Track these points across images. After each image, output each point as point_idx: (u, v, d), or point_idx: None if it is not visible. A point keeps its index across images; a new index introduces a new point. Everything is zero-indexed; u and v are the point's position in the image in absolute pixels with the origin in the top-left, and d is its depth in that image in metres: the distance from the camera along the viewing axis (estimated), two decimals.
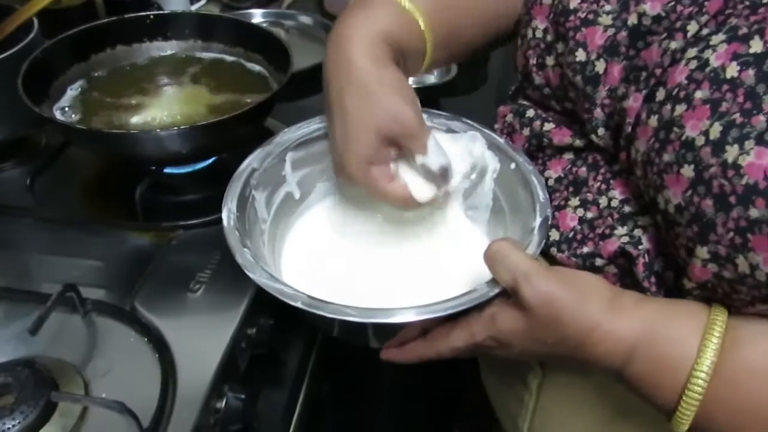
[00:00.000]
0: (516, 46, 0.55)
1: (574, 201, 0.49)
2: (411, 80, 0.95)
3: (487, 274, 0.42)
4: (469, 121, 0.56)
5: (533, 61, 0.51)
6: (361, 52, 0.46)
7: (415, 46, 0.51)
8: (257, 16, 1.11)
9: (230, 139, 0.63)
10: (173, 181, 0.68)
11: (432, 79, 0.98)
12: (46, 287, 0.57)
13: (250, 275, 0.43)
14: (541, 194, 0.49)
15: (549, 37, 0.50)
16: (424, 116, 0.50)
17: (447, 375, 1.01)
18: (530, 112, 0.54)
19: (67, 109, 0.68)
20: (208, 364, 0.51)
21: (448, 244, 0.56)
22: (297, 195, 0.56)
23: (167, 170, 0.67)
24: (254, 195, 0.51)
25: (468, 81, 0.98)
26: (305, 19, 1.10)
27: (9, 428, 0.44)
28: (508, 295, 0.42)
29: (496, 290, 0.42)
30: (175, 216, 0.65)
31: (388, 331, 0.47)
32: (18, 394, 0.46)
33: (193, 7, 1.14)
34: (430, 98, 0.93)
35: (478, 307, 0.43)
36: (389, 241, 0.55)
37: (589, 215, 0.48)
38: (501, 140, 0.54)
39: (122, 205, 0.66)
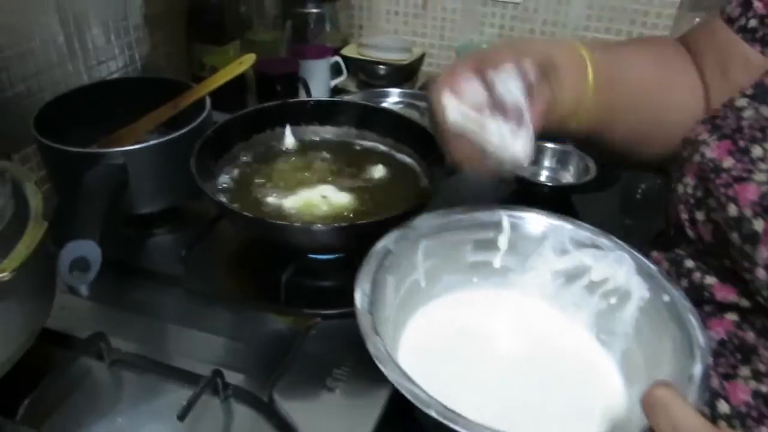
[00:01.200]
0: (668, 201, 0.53)
1: (745, 371, 0.45)
2: (545, 176, 0.94)
3: (620, 415, 0.38)
4: (618, 241, 0.53)
5: (684, 215, 0.49)
6: None
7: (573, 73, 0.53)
8: (393, 95, 1.14)
9: (382, 234, 0.63)
10: (317, 266, 0.69)
11: (569, 178, 0.96)
12: (189, 364, 0.58)
13: (382, 369, 0.41)
14: (701, 338, 0.44)
15: (699, 193, 0.48)
16: (570, 225, 0.54)
17: None
18: (689, 263, 0.51)
19: (225, 186, 0.71)
20: None
21: (575, 369, 0.52)
22: (423, 284, 0.54)
23: (312, 255, 0.68)
24: (386, 278, 0.50)
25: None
26: None
27: None
28: None
29: None
30: (315, 303, 0.66)
31: None
32: None
33: (333, 82, 1.19)
34: (562, 196, 0.92)
35: None
36: (512, 355, 0.53)
37: (764, 389, 0.43)
38: (653, 268, 0.50)
39: (266, 285, 0.67)
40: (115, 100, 0.82)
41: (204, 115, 0.73)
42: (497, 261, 0.57)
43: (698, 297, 0.49)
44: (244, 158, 0.75)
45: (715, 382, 0.46)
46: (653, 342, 0.49)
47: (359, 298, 0.47)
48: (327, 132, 0.80)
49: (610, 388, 0.49)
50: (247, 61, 0.77)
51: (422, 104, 1.12)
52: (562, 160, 0.98)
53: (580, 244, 0.54)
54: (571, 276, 0.55)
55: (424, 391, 0.40)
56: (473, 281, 0.57)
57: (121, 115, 0.80)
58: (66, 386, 0.56)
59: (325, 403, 0.56)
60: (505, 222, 0.56)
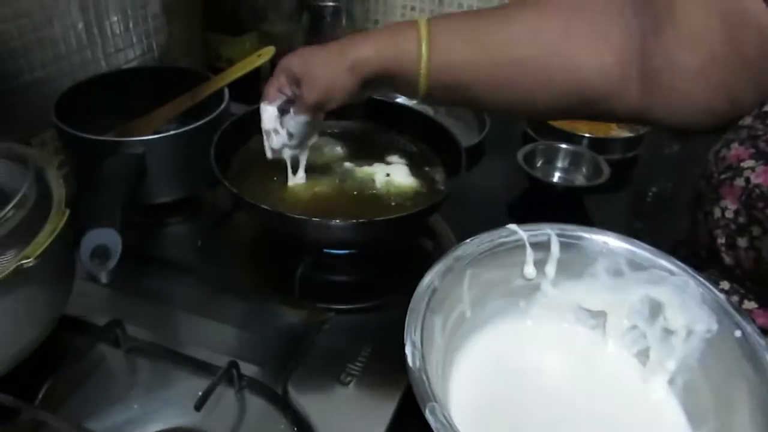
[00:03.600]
0: (697, 221, 0.52)
1: None
2: (557, 177, 0.94)
3: None
4: (681, 264, 0.49)
5: (721, 240, 0.48)
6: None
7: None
8: None
9: (397, 233, 0.64)
10: (331, 260, 0.69)
11: (581, 179, 0.96)
12: (204, 354, 0.58)
13: None
14: None
15: (741, 219, 0.46)
16: (627, 245, 0.51)
17: None
18: (724, 284, 0.49)
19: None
20: None
21: (633, 406, 0.49)
22: (468, 314, 0.52)
23: (327, 250, 0.68)
24: (433, 320, 0.46)
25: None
26: None
27: None
28: None
29: None
30: (329, 298, 0.66)
31: None
32: None
33: None
34: (574, 197, 0.92)
35: None
36: (565, 393, 0.50)
37: None
38: (722, 297, 0.46)
39: (280, 277, 0.68)
40: (132, 88, 0.82)
41: (223, 106, 0.74)
42: (546, 284, 0.53)
43: None
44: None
45: None
46: (723, 381, 0.45)
47: (410, 353, 0.42)
48: (344, 126, 0.80)
49: (674, 427, 0.47)
50: (267, 53, 0.77)
51: None
52: (574, 162, 0.98)
53: (638, 267, 0.50)
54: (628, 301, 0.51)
55: None
56: (519, 305, 0.54)
57: (138, 104, 0.81)
58: (83, 372, 0.57)
59: (339, 397, 0.56)
60: (554, 243, 0.52)
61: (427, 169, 0.74)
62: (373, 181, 0.71)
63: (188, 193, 0.76)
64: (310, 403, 0.55)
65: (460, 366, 0.50)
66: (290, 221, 0.60)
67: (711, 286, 0.47)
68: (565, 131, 1.00)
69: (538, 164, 0.97)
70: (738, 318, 0.45)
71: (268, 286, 0.69)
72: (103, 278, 0.54)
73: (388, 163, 0.74)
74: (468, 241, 0.52)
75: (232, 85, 0.78)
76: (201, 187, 0.77)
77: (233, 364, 0.55)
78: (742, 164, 0.47)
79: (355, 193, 0.69)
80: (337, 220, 0.59)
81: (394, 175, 0.72)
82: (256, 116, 0.65)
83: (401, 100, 1.00)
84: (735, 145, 0.48)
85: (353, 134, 0.80)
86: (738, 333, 0.44)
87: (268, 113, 0.64)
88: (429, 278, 0.48)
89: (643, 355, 0.51)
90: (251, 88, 0.96)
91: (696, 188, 0.52)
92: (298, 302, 0.66)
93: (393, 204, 0.68)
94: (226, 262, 0.71)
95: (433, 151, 0.76)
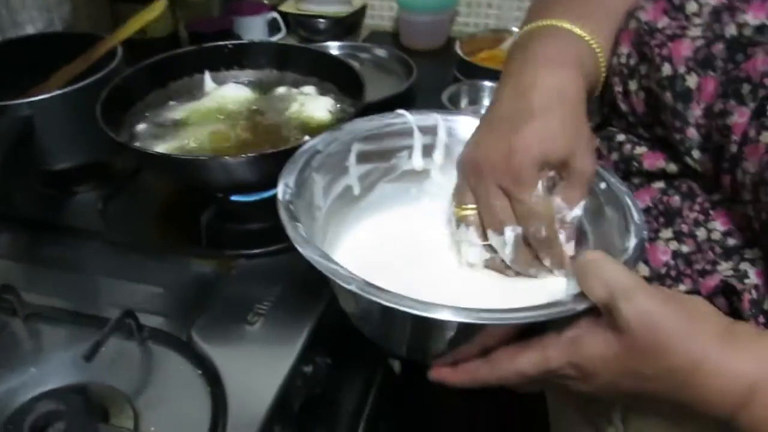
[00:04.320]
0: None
1: (667, 233, 0.44)
2: None
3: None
4: None
5: (618, 88, 0.48)
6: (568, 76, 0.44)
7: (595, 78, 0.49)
8: (333, 48, 1.11)
9: None
10: (239, 209, 0.68)
11: None
12: (106, 312, 0.56)
13: (300, 249, 0.39)
14: (636, 215, 0.43)
15: (632, 61, 0.47)
16: None
17: (514, 427, 0.95)
18: (620, 137, 0.50)
19: (142, 134, 0.69)
20: (260, 402, 0.49)
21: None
22: (357, 191, 0.52)
23: (234, 198, 0.66)
24: (314, 177, 0.48)
25: None
26: (380, 52, 1.09)
27: None
28: (597, 313, 0.36)
29: (584, 305, 0.35)
30: (238, 245, 0.64)
31: (452, 337, 0.40)
32: (68, 423, 0.45)
33: (272, 39, 1.17)
34: None
35: (557, 326, 0.36)
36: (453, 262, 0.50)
37: (685, 249, 0.43)
38: None
39: (188, 231, 0.66)
40: (32, 59, 0.78)
41: (114, 63, 0.71)
42: (435, 171, 0.54)
43: (628, 168, 0.48)
44: (162, 106, 0.73)
45: None
46: (594, 230, 0.47)
47: (282, 190, 0.44)
48: (248, 75, 0.78)
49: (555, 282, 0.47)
50: (158, 7, 0.74)
51: (364, 55, 1.11)
52: None
53: None
54: None
55: (345, 269, 0.38)
56: (411, 192, 0.55)
57: (39, 74, 0.77)
58: None
59: (246, 338, 0.55)
60: (441, 128, 0.52)
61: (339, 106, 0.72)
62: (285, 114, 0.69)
63: (90, 158, 0.73)
64: (216, 347, 0.53)
65: (345, 240, 0.51)
66: (179, 163, 0.58)
67: None
68: (492, 69, 0.99)
69: (463, 104, 0.96)
70: (602, 172, 0.46)
71: (175, 240, 0.67)
72: None
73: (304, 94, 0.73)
74: (357, 119, 0.52)
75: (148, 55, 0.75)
76: (106, 152, 0.74)
77: (128, 314, 0.53)
78: (636, 6, 0.47)
79: (264, 132, 0.67)
80: (227, 157, 0.56)
81: (308, 106, 0.70)
82: (149, 71, 0.61)
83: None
84: None
85: (262, 81, 0.78)
86: (603, 185, 0.46)
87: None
88: (313, 142, 0.49)
89: None
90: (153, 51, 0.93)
91: None
92: (206, 252, 0.64)
93: (295, 137, 0.66)
94: (131, 223, 0.69)
95: (337, 88, 0.74)
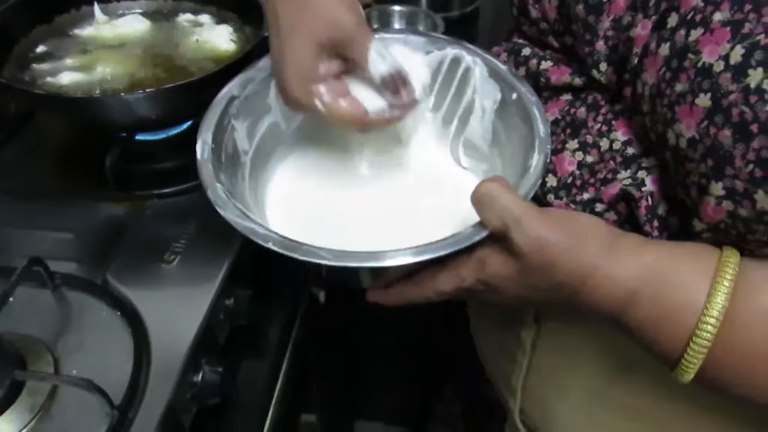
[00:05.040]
0: None
1: (573, 144, 0.47)
2: None
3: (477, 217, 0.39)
4: (468, 45, 0.51)
5: None
6: None
7: None
8: None
9: (203, 101, 0.60)
10: (147, 149, 0.66)
11: None
12: (14, 262, 0.54)
13: (221, 212, 0.40)
14: (542, 128, 0.44)
15: None
16: (423, 39, 0.51)
17: (441, 335, 1.00)
18: (526, 51, 0.51)
19: (31, 73, 0.64)
20: (183, 338, 0.50)
21: (435, 188, 0.52)
22: (284, 125, 0.52)
23: (139, 137, 0.64)
24: (234, 125, 0.47)
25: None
26: None
27: None
28: (497, 238, 0.39)
29: (483, 234, 0.39)
30: (149, 185, 0.63)
31: (372, 275, 0.44)
32: None
33: None
34: None
35: (467, 250, 0.40)
36: (373, 184, 0.52)
37: (589, 159, 0.45)
38: (503, 67, 0.49)
39: (94, 175, 0.63)
40: None
41: None
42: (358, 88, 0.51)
43: (535, 83, 0.50)
44: (47, 42, 0.68)
45: None
46: (509, 145, 0.49)
47: (200, 148, 0.44)
48: (141, 5, 0.73)
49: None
50: None
51: None
52: (411, 22, 0.98)
53: (395, 42, 0.50)
54: (431, 93, 0.53)
55: (263, 226, 0.39)
56: None
57: None
58: None
59: (163, 277, 0.54)
60: None
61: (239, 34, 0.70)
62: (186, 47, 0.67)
63: None
64: (133, 287, 0.53)
65: (276, 174, 0.52)
66: (74, 103, 0.55)
67: (494, 59, 0.50)
68: None
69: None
70: (514, 82, 0.48)
71: (80, 184, 0.64)
72: None
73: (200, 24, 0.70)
74: (268, 55, 0.50)
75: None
76: None
77: (35, 261, 0.51)
78: None
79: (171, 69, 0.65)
80: (123, 94, 0.54)
81: (208, 36, 0.68)
82: (30, 6, 0.57)
83: None
84: None
85: (156, 12, 0.74)
86: (514, 95, 0.48)
87: None
88: (227, 88, 0.48)
89: (453, 143, 0.54)
90: None
91: None
92: (115, 195, 0.62)
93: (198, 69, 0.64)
94: (32, 170, 0.66)
95: (233, 13, 0.72)
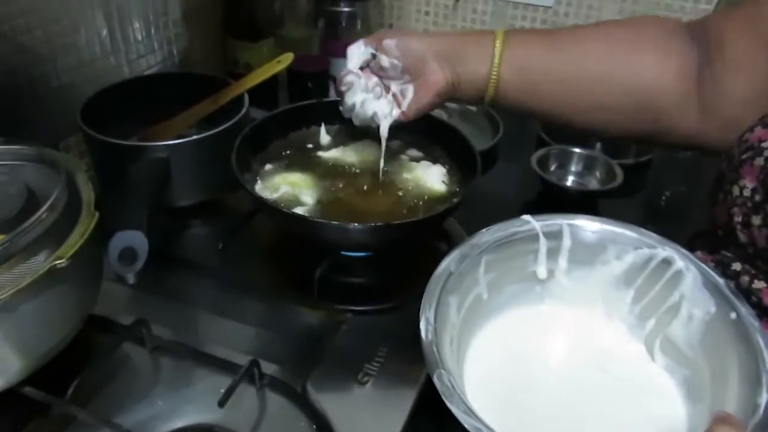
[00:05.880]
0: (718, 201, 0.53)
1: None
2: (571, 181, 0.95)
3: None
4: (683, 250, 0.51)
5: (738, 219, 0.49)
6: None
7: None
8: None
9: (414, 236, 0.65)
10: (348, 263, 0.71)
11: (595, 183, 0.97)
12: (223, 351, 0.60)
13: (448, 404, 0.41)
14: None
15: (758, 197, 0.48)
16: (633, 233, 0.53)
17: None
18: (736, 266, 0.51)
19: (262, 182, 0.73)
20: None
21: (635, 389, 0.51)
22: (485, 296, 0.54)
23: (345, 252, 0.70)
24: (449, 300, 0.50)
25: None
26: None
27: None
28: None
29: None
30: (346, 299, 0.68)
31: None
32: None
33: None
34: (588, 200, 0.93)
35: None
36: (573, 377, 0.52)
37: None
38: (721, 281, 0.48)
39: (299, 278, 0.70)
40: (154, 94, 0.84)
41: (243, 111, 0.76)
42: (560, 273, 0.56)
43: (747, 301, 0.48)
44: (282, 155, 0.77)
45: None
46: (719, 361, 0.47)
47: (424, 328, 0.46)
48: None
49: (671, 407, 0.49)
50: (286, 60, 0.79)
51: (451, 105, 1.14)
52: (588, 165, 0.99)
53: (645, 255, 0.52)
54: (632, 285, 0.54)
55: (488, 427, 0.40)
56: (535, 290, 0.57)
57: (160, 109, 0.83)
58: (110, 369, 0.59)
59: (356, 396, 0.57)
60: (566, 234, 0.54)
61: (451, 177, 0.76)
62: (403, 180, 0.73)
63: (209, 196, 0.78)
64: (329, 402, 0.56)
65: (474, 345, 0.53)
66: (308, 224, 0.62)
67: (710, 269, 0.49)
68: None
69: (552, 168, 0.98)
70: (734, 301, 0.47)
71: (287, 287, 0.71)
72: (130, 279, 0.56)
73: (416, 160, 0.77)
74: (483, 230, 0.54)
75: (250, 91, 0.80)
76: (221, 190, 0.79)
77: (254, 363, 0.57)
78: (762, 144, 0.48)
79: (375, 192, 0.71)
80: (356, 224, 0.60)
81: (425, 175, 0.74)
82: (274, 121, 0.66)
83: None
84: (758, 128, 0.50)
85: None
86: (733, 315, 0.46)
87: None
88: (446, 263, 0.51)
89: (648, 339, 0.54)
90: (269, 94, 0.99)
91: (719, 169, 0.54)
92: (317, 303, 0.67)
93: (412, 205, 0.70)
94: (246, 264, 0.73)
95: (447, 154, 0.77)
